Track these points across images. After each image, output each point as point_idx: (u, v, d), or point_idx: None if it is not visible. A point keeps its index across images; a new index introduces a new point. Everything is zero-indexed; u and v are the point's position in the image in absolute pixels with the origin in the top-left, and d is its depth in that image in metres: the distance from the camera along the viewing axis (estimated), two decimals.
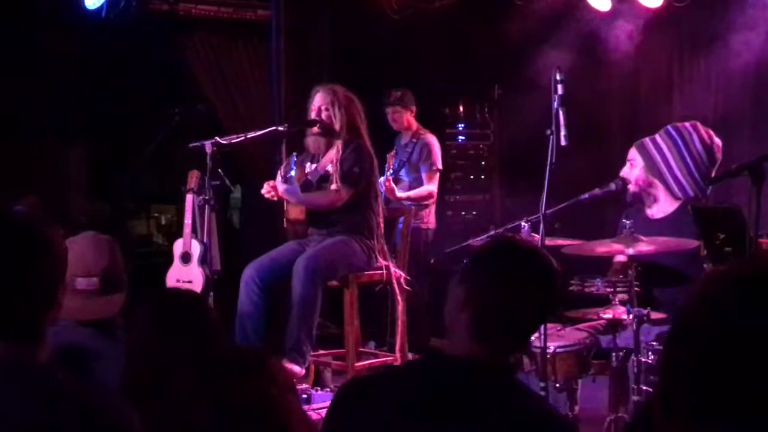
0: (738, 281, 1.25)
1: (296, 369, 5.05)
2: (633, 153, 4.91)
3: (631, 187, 4.88)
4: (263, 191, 5.36)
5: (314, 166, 5.49)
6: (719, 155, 4.80)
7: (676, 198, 4.82)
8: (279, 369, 2.08)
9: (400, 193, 6.53)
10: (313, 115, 5.44)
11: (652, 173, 4.83)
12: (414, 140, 6.91)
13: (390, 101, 6.92)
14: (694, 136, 4.79)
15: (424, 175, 6.78)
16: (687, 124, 4.89)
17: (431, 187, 6.80)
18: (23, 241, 1.99)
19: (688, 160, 4.76)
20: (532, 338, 4.41)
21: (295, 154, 5.33)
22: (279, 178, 5.27)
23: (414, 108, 6.96)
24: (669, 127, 4.91)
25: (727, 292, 1.21)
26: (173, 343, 2.55)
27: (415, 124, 6.98)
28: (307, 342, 5.13)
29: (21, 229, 2.01)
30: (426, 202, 6.81)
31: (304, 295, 5.09)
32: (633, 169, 4.88)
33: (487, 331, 2.25)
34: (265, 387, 1.67)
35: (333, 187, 5.31)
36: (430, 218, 6.88)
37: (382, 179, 6.22)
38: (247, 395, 1.67)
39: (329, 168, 5.38)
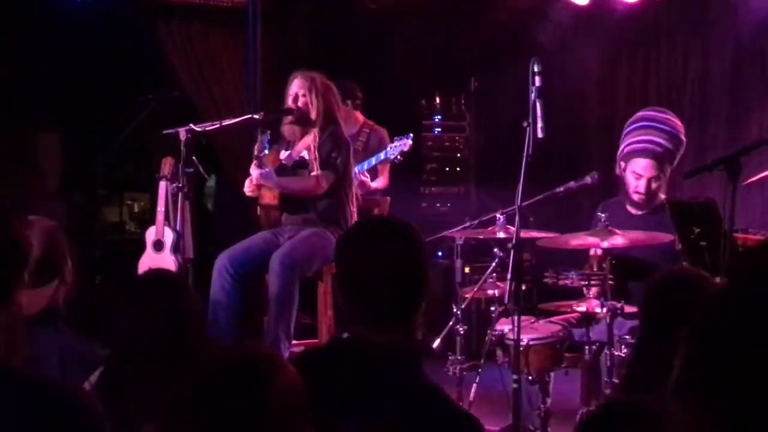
0: None
1: None
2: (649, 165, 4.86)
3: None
4: (247, 191, 5.33)
5: (288, 152, 5.44)
6: (683, 137, 4.85)
7: None
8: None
9: (372, 184, 6.45)
10: (290, 101, 5.40)
11: None
12: (366, 130, 6.70)
13: None
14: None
15: (379, 167, 6.59)
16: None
17: (385, 178, 6.61)
18: None
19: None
20: (506, 330, 4.42)
21: (268, 132, 5.28)
22: (254, 162, 5.23)
23: (350, 101, 6.54)
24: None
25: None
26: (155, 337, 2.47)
27: (360, 117, 6.69)
28: (285, 339, 5.13)
29: None
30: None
31: (281, 292, 5.07)
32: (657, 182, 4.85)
33: (362, 314, 2.28)
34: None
35: (314, 173, 5.27)
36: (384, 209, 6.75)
37: (356, 169, 6.18)
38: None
39: (304, 154, 5.34)
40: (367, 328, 2.27)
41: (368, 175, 6.38)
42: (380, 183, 6.59)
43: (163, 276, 2.99)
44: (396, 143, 6.21)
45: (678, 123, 4.89)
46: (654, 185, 4.79)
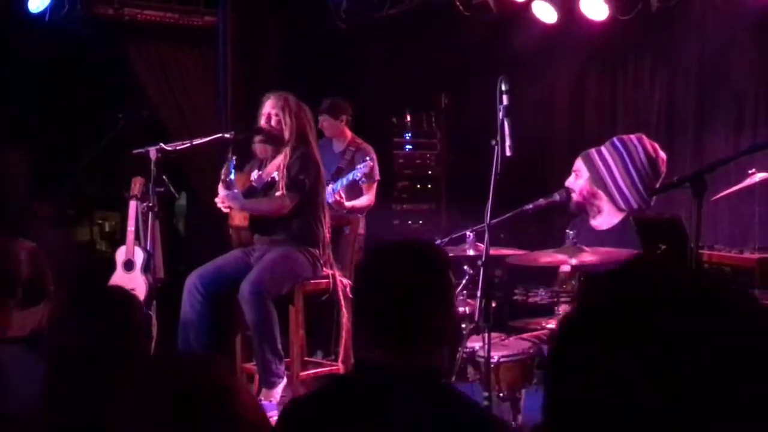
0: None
1: (275, 391, 5.15)
2: (579, 163, 4.95)
3: (575, 197, 4.92)
4: (218, 203, 5.33)
5: (259, 173, 5.45)
6: (663, 168, 4.86)
7: (620, 210, 4.86)
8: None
9: (348, 203, 6.50)
10: (263, 120, 5.41)
11: (597, 185, 4.87)
12: (351, 148, 6.78)
13: (320, 109, 6.67)
14: (640, 149, 4.84)
15: (363, 186, 6.64)
16: (633, 136, 4.94)
17: (371, 197, 6.69)
18: None
19: (633, 172, 4.81)
20: (476, 348, 4.43)
21: (234, 157, 5.29)
22: (221, 184, 5.24)
23: (345, 116, 6.74)
24: (615, 139, 4.95)
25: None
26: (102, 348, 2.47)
27: (349, 133, 6.81)
28: (275, 359, 5.16)
29: None
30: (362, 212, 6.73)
31: (257, 320, 5.08)
32: (578, 180, 4.92)
33: (389, 340, 2.29)
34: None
35: (278, 193, 5.29)
36: (361, 224, 6.80)
37: (330, 189, 6.20)
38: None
39: (275, 175, 5.35)
40: (382, 353, 2.28)
41: (344, 195, 6.41)
42: (362, 202, 6.61)
43: (110, 288, 3.01)
44: (359, 165, 6.38)
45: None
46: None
